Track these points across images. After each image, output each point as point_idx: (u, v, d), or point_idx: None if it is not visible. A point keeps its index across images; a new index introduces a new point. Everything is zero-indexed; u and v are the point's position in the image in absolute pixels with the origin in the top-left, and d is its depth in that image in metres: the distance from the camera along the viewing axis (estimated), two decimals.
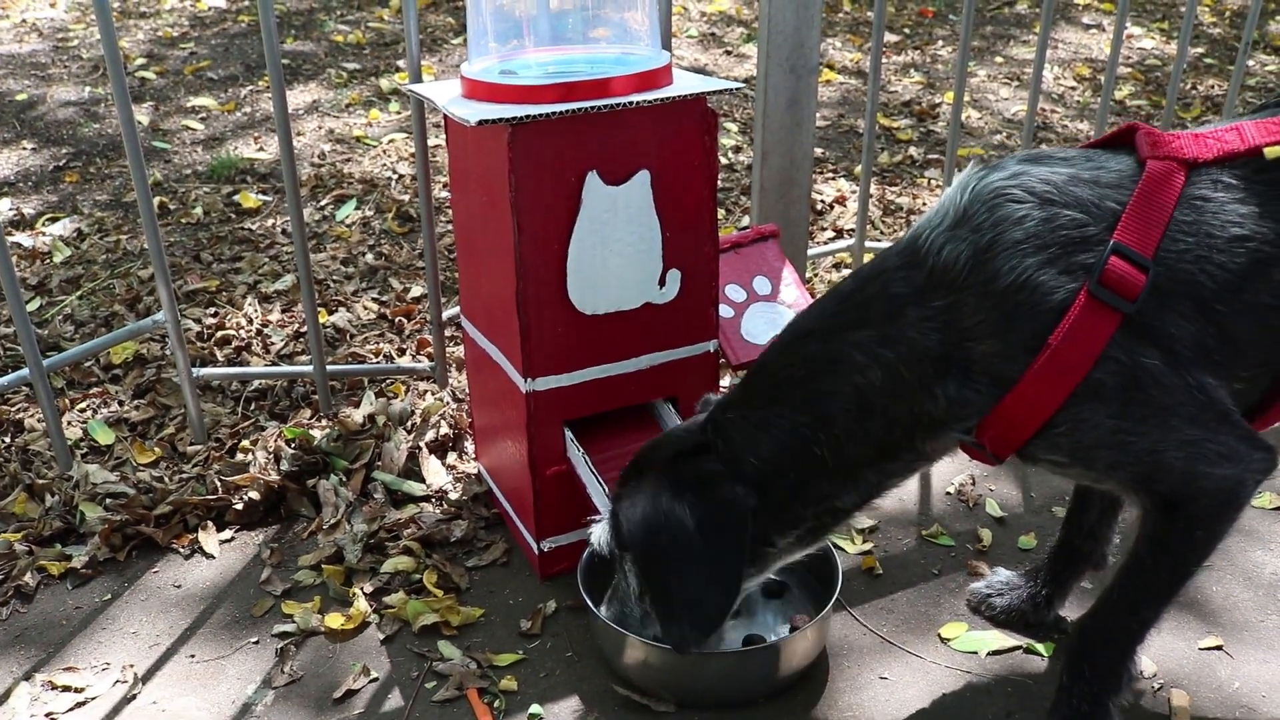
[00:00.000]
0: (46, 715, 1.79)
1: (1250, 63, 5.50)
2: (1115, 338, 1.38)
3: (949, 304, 1.43)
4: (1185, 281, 1.40)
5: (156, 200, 3.77)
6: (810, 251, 2.91)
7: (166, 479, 2.33)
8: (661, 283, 1.93)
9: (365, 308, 3.13)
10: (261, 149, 4.34)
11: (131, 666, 1.90)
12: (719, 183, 2.33)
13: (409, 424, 2.48)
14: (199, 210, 3.78)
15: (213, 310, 3.11)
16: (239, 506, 2.25)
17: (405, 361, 2.82)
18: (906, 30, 6.08)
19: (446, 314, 2.58)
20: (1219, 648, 1.89)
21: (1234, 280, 1.40)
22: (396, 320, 3.05)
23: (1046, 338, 1.38)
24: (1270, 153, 1.43)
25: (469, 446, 2.45)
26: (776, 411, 1.51)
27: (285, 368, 2.78)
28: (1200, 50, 5.76)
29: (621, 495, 1.63)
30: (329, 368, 2.56)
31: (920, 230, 1.48)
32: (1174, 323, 1.40)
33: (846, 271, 3.31)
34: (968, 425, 1.47)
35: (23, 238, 3.55)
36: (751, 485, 1.52)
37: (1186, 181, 1.42)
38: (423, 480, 2.34)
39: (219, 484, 2.28)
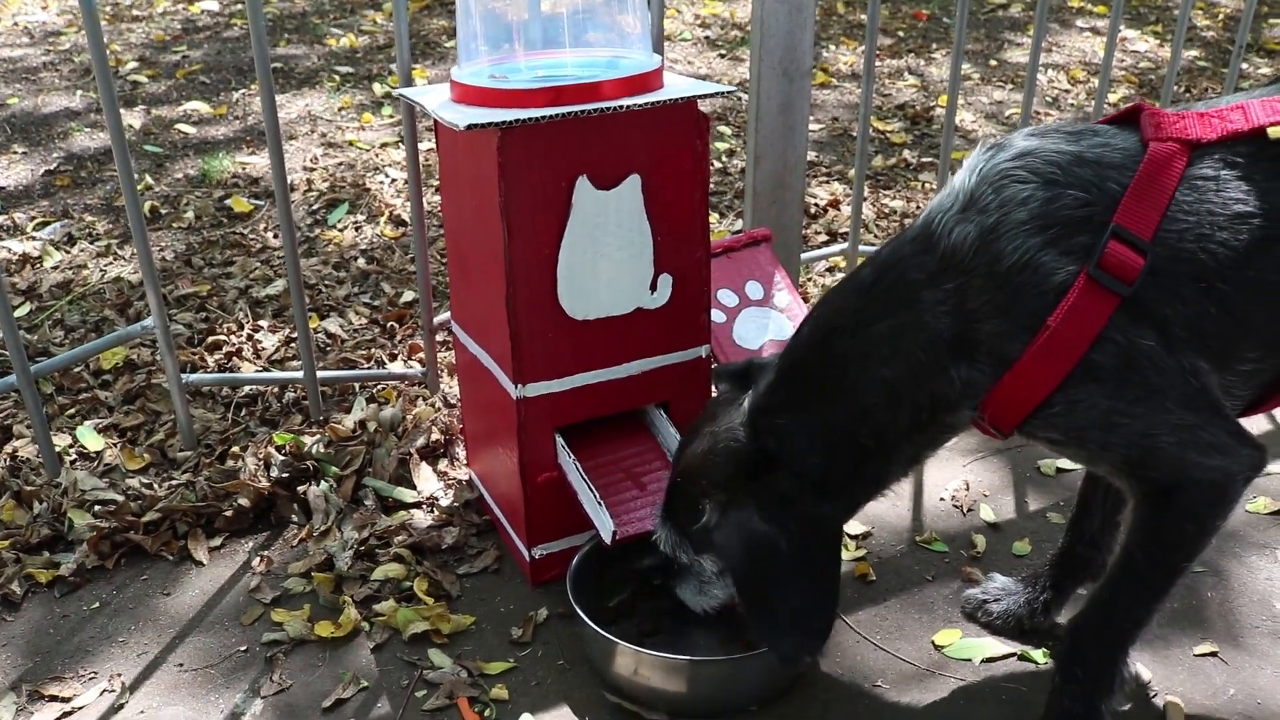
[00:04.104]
0: None
1: (1244, 65, 5.50)
2: (1113, 319, 1.39)
3: (958, 286, 1.45)
4: (1186, 261, 1.40)
5: (147, 205, 3.75)
6: (804, 255, 2.91)
7: (156, 486, 2.31)
8: (653, 288, 1.92)
9: (357, 313, 3.11)
10: (254, 153, 4.32)
11: (119, 676, 1.88)
12: (711, 186, 2.32)
13: (400, 430, 2.47)
14: (190, 214, 3.76)
15: (203, 315, 3.09)
16: (229, 513, 2.23)
17: (397, 367, 2.81)
18: (900, 33, 6.08)
19: (438, 319, 2.57)
20: (1214, 654, 1.88)
21: (1237, 257, 1.40)
22: (388, 325, 3.04)
23: (1046, 318, 1.40)
24: (1274, 133, 1.42)
25: (460, 453, 2.43)
26: (823, 413, 1.56)
27: (276, 373, 2.77)
28: (1194, 53, 5.76)
29: (680, 512, 1.69)
30: (320, 374, 2.55)
31: (933, 215, 1.49)
32: (1171, 304, 1.41)
33: (840, 275, 3.30)
34: (976, 402, 1.50)
35: (13, 243, 3.54)
36: (822, 487, 1.56)
37: (1189, 162, 1.42)
38: (414, 487, 2.33)
39: (209, 491, 2.27)
